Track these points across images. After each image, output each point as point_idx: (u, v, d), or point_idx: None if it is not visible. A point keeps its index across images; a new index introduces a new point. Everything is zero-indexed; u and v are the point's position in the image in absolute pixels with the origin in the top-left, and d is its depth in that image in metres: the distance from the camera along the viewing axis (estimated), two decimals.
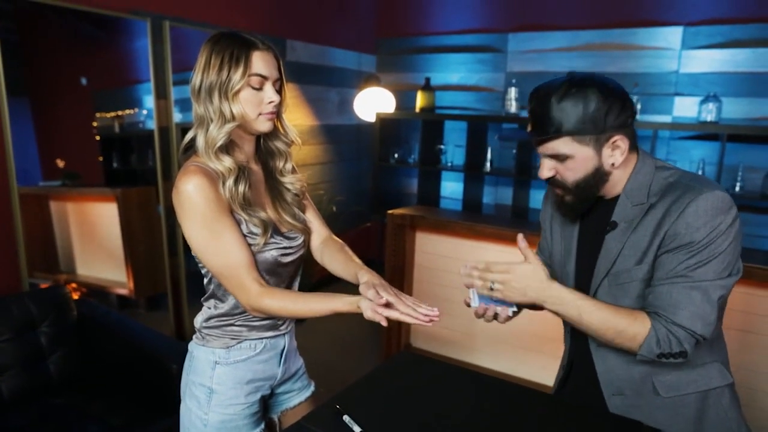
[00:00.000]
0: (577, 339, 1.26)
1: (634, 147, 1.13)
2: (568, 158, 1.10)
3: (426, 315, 1.03)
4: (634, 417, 1.15)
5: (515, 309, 1.19)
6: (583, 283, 1.22)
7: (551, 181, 1.16)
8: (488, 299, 1.17)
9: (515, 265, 1.12)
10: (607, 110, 1.05)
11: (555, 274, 1.29)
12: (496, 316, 1.20)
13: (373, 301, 1.02)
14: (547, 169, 1.14)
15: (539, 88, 1.11)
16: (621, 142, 1.08)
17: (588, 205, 1.17)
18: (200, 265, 1.22)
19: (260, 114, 1.16)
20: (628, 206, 1.13)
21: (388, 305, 1.02)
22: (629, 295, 1.13)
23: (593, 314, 1.08)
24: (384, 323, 1.01)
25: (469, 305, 1.21)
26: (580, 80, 1.07)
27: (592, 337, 1.15)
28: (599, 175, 1.11)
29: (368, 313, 1.03)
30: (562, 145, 1.09)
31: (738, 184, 3.25)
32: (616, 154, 1.10)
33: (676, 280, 1.05)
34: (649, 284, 1.10)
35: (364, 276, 1.13)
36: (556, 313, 1.12)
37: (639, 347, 1.06)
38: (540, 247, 1.44)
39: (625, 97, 1.08)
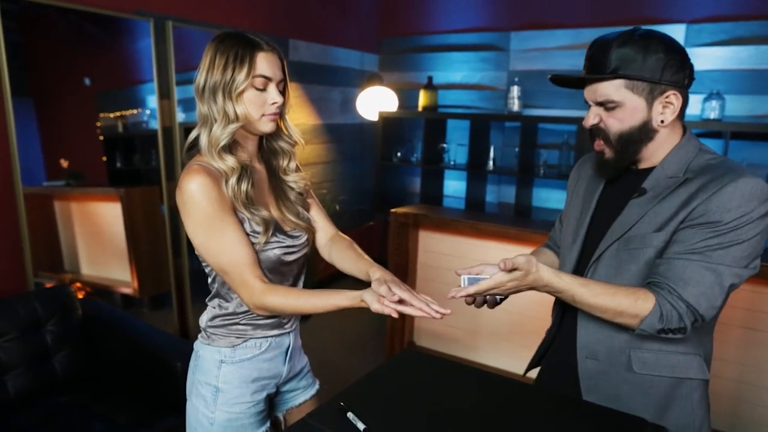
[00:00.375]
0: (564, 304, 1.23)
1: (683, 116, 1.10)
2: (617, 106, 1.06)
3: (437, 311, 1.03)
4: (601, 386, 1.15)
5: (503, 296, 1.19)
6: (590, 246, 1.19)
7: (594, 131, 1.13)
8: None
9: (497, 275, 1.09)
10: (666, 62, 1.02)
11: (565, 241, 1.27)
12: (485, 302, 1.22)
13: (386, 297, 1.02)
14: (593, 115, 1.10)
15: (601, 36, 1.09)
16: (674, 98, 1.05)
17: (628, 164, 1.13)
18: (204, 264, 1.23)
19: (263, 115, 1.17)
20: (662, 177, 1.09)
21: (401, 302, 1.02)
22: (637, 261, 1.09)
23: (590, 299, 1.06)
24: (395, 315, 1.02)
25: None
26: (645, 31, 1.05)
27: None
28: (645, 131, 1.08)
29: (375, 306, 1.02)
30: (614, 89, 1.05)
31: None
32: (667, 111, 1.06)
33: (692, 257, 1.02)
34: (661, 255, 1.07)
35: (376, 273, 1.13)
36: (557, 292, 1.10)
37: (641, 321, 1.04)
38: (560, 216, 1.43)
39: (685, 56, 1.05)
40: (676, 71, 1.04)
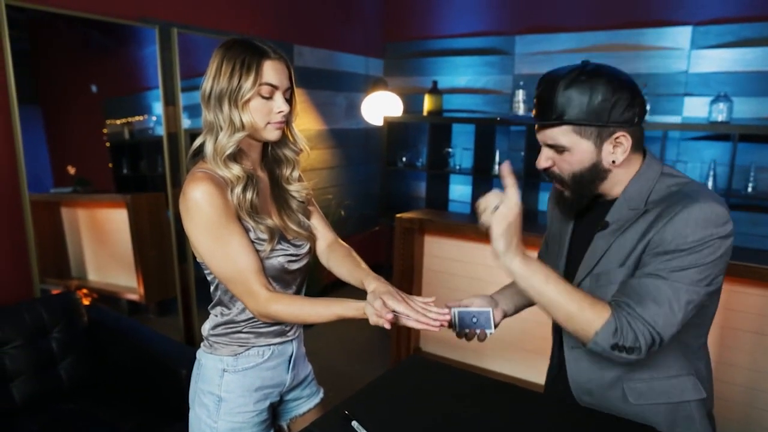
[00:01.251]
0: (554, 339, 1.26)
1: (639, 147, 1.10)
2: (566, 150, 1.06)
3: (436, 319, 1.02)
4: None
5: (492, 330, 1.23)
6: (569, 278, 1.18)
7: (548, 173, 1.13)
8: (470, 323, 1.21)
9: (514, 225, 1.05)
10: (613, 103, 1.01)
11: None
12: (475, 336, 1.25)
13: (379, 311, 1.01)
14: (544, 158, 1.11)
15: (549, 73, 1.08)
16: (624, 139, 1.04)
17: (586, 201, 1.14)
18: (207, 272, 1.22)
19: (269, 123, 1.16)
20: (624, 209, 1.09)
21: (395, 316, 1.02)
22: (608, 297, 1.07)
23: (557, 287, 1.02)
24: (387, 326, 1.01)
25: (450, 325, 1.20)
26: (591, 69, 1.04)
27: (549, 314, 1.08)
28: (597, 171, 1.08)
29: (373, 319, 1.03)
30: (561, 134, 1.05)
31: (750, 184, 3.21)
32: (617, 151, 1.05)
33: (650, 277, 1.01)
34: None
35: (371, 284, 1.12)
36: (522, 277, 1.04)
37: (594, 334, 0.99)
38: (545, 239, 1.43)
39: (635, 93, 1.04)
40: (625, 110, 1.02)
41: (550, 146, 1.09)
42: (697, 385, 1.12)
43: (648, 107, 3.40)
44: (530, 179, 3.80)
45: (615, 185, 1.11)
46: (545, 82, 1.07)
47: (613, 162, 1.07)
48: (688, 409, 1.11)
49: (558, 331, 1.23)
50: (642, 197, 1.08)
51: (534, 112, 1.11)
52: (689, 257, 0.99)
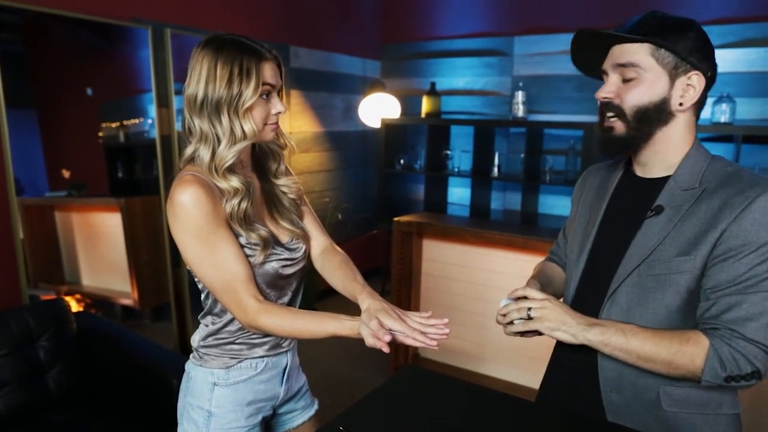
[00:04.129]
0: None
1: (696, 116, 1.04)
2: (637, 77, 1.00)
3: (435, 333, 0.97)
4: (627, 419, 1.06)
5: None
6: (599, 270, 1.11)
7: (606, 106, 1.05)
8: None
9: (552, 298, 1.04)
10: (696, 46, 0.98)
11: (572, 253, 1.20)
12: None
13: (376, 332, 0.96)
14: (609, 85, 1.02)
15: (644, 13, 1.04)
16: (697, 81, 0.99)
17: (638, 146, 1.05)
18: (197, 279, 1.17)
19: (266, 125, 1.11)
20: (677, 190, 1.01)
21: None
22: (664, 288, 1.00)
23: (639, 335, 0.97)
24: (386, 350, 0.96)
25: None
26: (687, 18, 1.01)
27: (649, 370, 1.01)
28: (662, 110, 1.00)
29: (369, 341, 0.96)
30: (639, 52, 0.99)
31: None
32: (687, 94, 0.99)
33: (743, 290, 0.93)
34: (695, 281, 0.98)
35: (365, 302, 1.06)
36: (602, 345, 1.00)
37: (701, 371, 0.93)
38: (564, 227, 1.37)
39: (713, 57, 1.01)
40: (703, 59, 0.99)
41: (621, 68, 1.01)
42: (734, 400, 1.06)
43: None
44: (530, 182, 3.77)
45: (666, 149, 1.04)
46: (633, 17, 1.03)
47: (681, 105, 1.00)
48: (722, 422, 1.05)
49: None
50: (695, 177, 1.01)
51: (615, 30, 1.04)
52: None
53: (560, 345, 1.21)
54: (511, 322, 1.08)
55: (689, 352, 0.95)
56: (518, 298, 1.07)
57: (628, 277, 1.04)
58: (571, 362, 1.17)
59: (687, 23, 1.00)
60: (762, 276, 0.93)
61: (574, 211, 1.27)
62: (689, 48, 0.98)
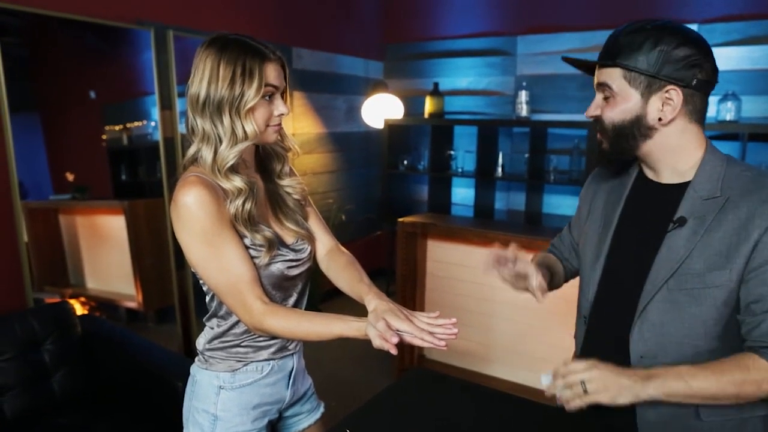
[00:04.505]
0: (613, 348, 1.10)
1: (700, 121, 1.02)
2: (612, 96, 1.01)
3: (443, 333, 0.96)
4: None
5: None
6: (622, 281, 1.09)
7: (595, 123, 1.08)
8: None
9: (597, 361, 0.98)
10: (670, 56, 0.96)
11: (585, 257, 1.18)
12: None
13: (384, 333, 0.94)
14: (594, 105, 1.06)
15: (629, 23, 1.04)
16: (675, 95, 0.97)
17: (623, 160, 1.07)
18: (201, 282, 1.16)
19: (268, 126, 1.11)
20: (698, 200, 1.00)
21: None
22: (700, 303, 0.98)
23: (698, 376, 0.94)
24: (393, 351, 0.94)
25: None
26: (664, 22, 0.99)
27: (708, 404, 0.99)
28: (639, 127, 1.00)
29: (377, 342, 0.95)
30: (611, 76, 1.01)
31: None
32: (666, 108, 0.98)
33: None
34: (732, 294, 0.96)
35: (372, 302, 1.05)
36: (665, 396, 0.96)
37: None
38: (569, 224, 1.34)
39: (702, 52, 0.97)
40: (684, 68, 0.96)
41: (601, 89, 1.04)
42: (766, 401, 1.04)
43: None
44: (534, 181, 3.75)
45: (666, 163, 1.04)
46: (618, 29, 1.04)
47: (660, 120, 1.00)
48: (754, 424, 1.04)
49: (612, 335, 1.10)
50: (715, 185, 0.99)
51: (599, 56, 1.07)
52: None
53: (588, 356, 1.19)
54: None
55: (755, 379, 0.94)
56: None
57: (658, 293, 1.02)
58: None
59: (659, 34, 0.97)
60: None
61: (584, 210, 1.25)
62: (661, 62, 0.96)
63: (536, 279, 1.13)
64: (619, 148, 1.04)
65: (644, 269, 1.04)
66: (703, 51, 0.98)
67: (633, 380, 0.94)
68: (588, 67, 1.08)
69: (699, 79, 0.97)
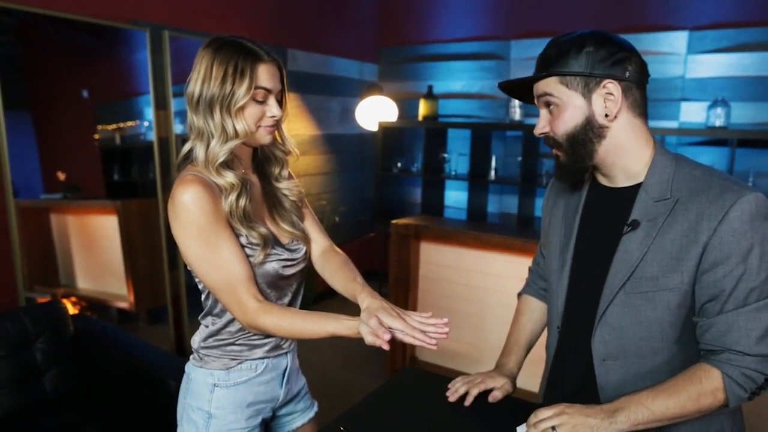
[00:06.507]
0: (577, 352, 1.13)
1: (642, 115, 1.03)
2: (558, 106, 1.03)
3: (435, 332, 0.97)
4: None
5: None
6: (584, 287, 1.11)
7: (546, 141, 1.09)
8: None
9: (565, 405, 1.00)
10: (598, 54, 0.99)
11: (551, 268, 1.19)
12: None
13: (376, 330, 0.96)
14: (541, 124, 1.07)
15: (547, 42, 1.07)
16: (613, 87, 0.99)
17: (585, 167, 1.07)
18: (197, 279, 1.17)
19: (260, 126, 1.12)
20: (649, 202, 1.01)
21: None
22: (655, 305, 1.00)
23: (658, 399, 0.96)
24: (386, 347, 0.96)
25: None
26: (588, 30, 1.03)
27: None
28: (592, 128, 1.02)
29: (369, 339, 0.96)
30: (549, 86, 1.03)
31: None
32: (609, 103, 1.00)
33: (738, 305, 0.95)
34: (685, 296, 0.98)
35: (365, 301, 1.07)
36: (634, 427, 0.98)
37: (726, 401, 0.95)
38: (540, 244, 1.35)
39: (626, 49, 1.00)
40: (613, 64, 0.99)
41: (544, 102, 1.05)
42: (735, 414, 1.07)
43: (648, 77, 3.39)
44: (526, 185, 3.78)
45: (619, 165, 1.05)
46: (543, 49, 1.06)
47: (607, 116, 1.01)
48: (720, 420, 1.06)
49: (576, 339, 1.13)
50: (665, 186, 1.01)
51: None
52: (757, 261, 0.94)
53: (555, 367, 1.21)
54: None
55: (708, 390, 0.96)
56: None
57: (616, 297, 1.04)
58: (572, 385, 1.16)
59: (581, 39, 1.01)
60: (748, 289, 0.94)
61: (546, 223, 1.27)
62: (591, 62, 0.99)
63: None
64: (577, 156, 1.05)
65: (603, 273, 1.05)
66: (626, 48, 1.01)
67: (600, 418, 0.96)
68: (521, 92, 1.11)
69: (630, 71, 1.00)
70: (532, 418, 1.00)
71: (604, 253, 1.07)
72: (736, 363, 0.95)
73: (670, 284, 0.98)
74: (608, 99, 1.00)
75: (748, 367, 0.94)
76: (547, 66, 1.02)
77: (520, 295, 1.41)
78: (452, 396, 1.19)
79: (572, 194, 1.18)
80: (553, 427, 0.96)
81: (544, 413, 0.99)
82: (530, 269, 1.42)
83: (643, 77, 1.03)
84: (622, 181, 1.07)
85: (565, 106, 1.02)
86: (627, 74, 1.00)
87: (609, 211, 1.09)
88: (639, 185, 1.04)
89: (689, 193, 0.98)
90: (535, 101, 1.08)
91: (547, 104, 1.05)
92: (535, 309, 1.36)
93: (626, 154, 1.04)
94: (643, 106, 1.04)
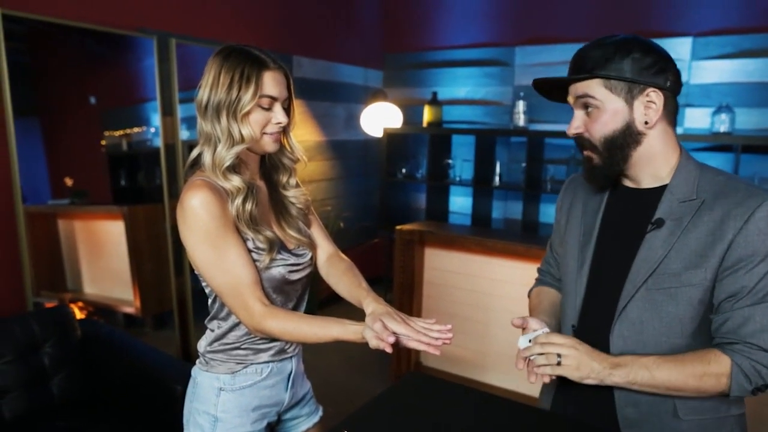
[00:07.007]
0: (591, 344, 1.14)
1: (673, 123, 1.06)
2: (598, 108, 1.03)
3: (438, 339, 0.98)
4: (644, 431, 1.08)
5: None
6: (604, 284, 1.12)
7: (578, 141, 1.09)
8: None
9: (577, 341, 1.03)
10: (643, 62, 1.00)
11: (569, 266, 1.19)
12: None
13: (380, 334, 0.97)
14: (575, 123, 1.07)
15: (587, 43, 1.07)
16: (656, 96, 1.01)
17: (618, 170, 1.07)
18: (204, 283, 1.18)
19: (265, 133, 1.13)
20: (675, 202, 1.03)
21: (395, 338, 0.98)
22: (676, 302, 1.02)
23: (662, 367, 0.99)
24: (389, 350, 0.97)
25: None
26: (623, 36, 1.04)
27: (673, 396, 1.04)
28: (630, 134, 1.03)
29: (373, 343, 0.98)
30: (590, 86, 1.03)
31: None
32: (650, 111, 1.02)
33: (757, 301, 0.97)
34: (706, 293, 1.01)
35: (370, 306, 1.08)
36: (629, 384, 1.02)
37: (728, 388, 0.98)
38: (551, 242, 1.36)
39: (667, 59, 1.02)
40: (656, 73, 1.01)
41: (582, 103, 1.05)
42: (741, 401, 1.08)
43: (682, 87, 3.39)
44: (531, 191, 3.78)
45: (652, 163, 1.06)
46: (579, 50, 1.07)
47: (646, 123, 1.03)
48: (731, 422, 1.07)
49: (594, 336, 1.12)
50: (690, 188, 1.03)
51: (568, 72, 1.09)
52: None
53: None
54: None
55: (714, 373, 0.98)
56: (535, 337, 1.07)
57: (637, 293, 1.05)
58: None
59: (627, 45, 1.01)
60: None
61: (562, 222, 1.27)
62: (636, 68, 1.00)
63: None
64: (612, 160, 1.06)
65: (625, 270, 1.07)
66: (666, 57, 1.03)
67: (602, 366, 1.00)
68: (552, 90, 1.11)
69: (671, 81, 1.02)
70: (543, 338, 1.03)
71: (626, 251, 1.08)
72: (748, 355, 0.97)
73: (694, 281, 1.00)
74: (649, 107, 1.02)
75: (759, 361, 0.96)
76: (591, 67, 1.02)
77: (530, 291, 1.41)
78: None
79: (592, 195, 1.19)
80: (559, 354, 0.99)
81: (556, 338, 1.02)
82: (540, 269, 1.42)
83: (679, 87, 1.05)
84: (647, 183, 1.09)
85: (606, 109, 1.03)
86: (668, 84, 1.02)
87: (632, 211, 1.10)
88: (663, 187, 1.06)
89: (714, 196, 1.01)
90: (571, 101, 1.08)
91: (586, 105, 1.05)
92: (551, 291, 1.35)
93: (656, 160, 1.06)
94: (675, 115, 1.07)
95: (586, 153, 1.10)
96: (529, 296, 1.40)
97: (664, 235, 1.03)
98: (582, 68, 1.04)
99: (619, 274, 1.08)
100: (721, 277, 0.99)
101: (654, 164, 1.06)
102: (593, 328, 1.10)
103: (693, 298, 1.01)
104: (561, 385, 1.22)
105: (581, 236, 1.18)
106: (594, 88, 1.03)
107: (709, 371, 0.98)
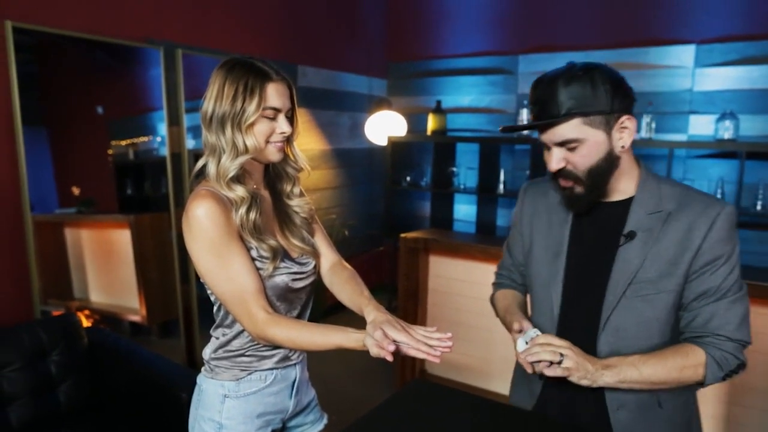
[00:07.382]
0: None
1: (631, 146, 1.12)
2: (579, 143, 1.06)
3: (437, 347, 0.99)
4: (634, 430, 1.14)
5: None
6: (583, 295, 1.16)
7: (561, 174, 1.11)
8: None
9: (571, 344, 1.09)
10: (613, 91, 1.04)
11: (539, 278, 1.23)
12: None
13: (380, 342, 0.98)
14: (556, 160, 1.09)
15: (542, 77, 1.08)
16: (629, 122, 1.07)
17: (601, 195, 1.13)
18: (209, 291, 1.20)
19: (269, 143, 1.15)
20: (643, 215, 1.11)
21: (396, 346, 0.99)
22: (654, 306, 1.10)
23: (648, 363, 1.07)
24: (389, 359, 0.98)
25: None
26: (583, 65, 1.06)
27: (655, 390, 1.12)
28: (611, 160, 1.08)
29: (374, 351, 0.99)
30: (572, 129, 1.05)
31: (759, 202, 3.17)
32: (625, 135, 1.08)
33: (720, 297, 1.08)
34: (679, 295, 1.10)
35: (371, 314, 1.09)
36: (619, 383, 1.09)
37: (704, 378, 1.08)
38: (509, 248, 1.39)
39: (625, 82, 1.08)
40: (623, 98, 1.06)
41: (560, 144, 1.08)
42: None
43: (653, 125, 3.39)
44: None
45: (620, 179, 1.13)
46: (542, 84, 1.08)
47: (623, 147, 1.09)
48: (695, 398, 1.20)
49: (577, 345, 1.14)
50: (657, 200, 1.11)
51: (533, 115, 1.11)
52: (732, 261, 1.08)
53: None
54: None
55: (692, 364, 1.08)
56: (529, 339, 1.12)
57: (619, 302, 1.12)
58: (574, 386, 1.17)
59: (590, 75, 1.03)
60: (728, 284, 1.08)
61: (525, 232, 1.29)
62: (609, 98, 1.04)
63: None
64: (596, 187, 1.11)
65: (603, 282, 1.13)
66: (620, 77, 1.08)
67: (595, 367, 1.07)
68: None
69: (632, 102, 1.09)
70: (542, 339, 1.09)
71: (600, 263, 1.14)
72: (718, 345, 1.07)
73: (669, 286, 1.09)
74: (624, 131, 1.07)
75: (727, 351, 1.07)
76: (567, 109, 1.04)
77: (493, 296, 1.45)
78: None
79: (554, 205, 1.22)
80: (561, 354, 1.06)
81: (555, 340, 1.08)
82: (499, 273, 1.46)
83: (633, 104, 1.11)
84: (612, 197, 1.15)
85: (589, 143, 1.06)
86: (631, 108, 1.08)
87: (601, 224, 1.16)
88: (629, 199, 1.13)
89: (678, 207, 1.10)
90: (544, 140, 1.10)
91: (564, 143, 1.07)
92: (515, 293, 1.39)
93: (624, 176, 1.13)
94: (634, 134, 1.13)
95: (564, 183, 1.12)
96: (491, 301, 1.44)
97: (638, 245, 1.10)
98: (556, 109, 1.04)
99: (598, 285, 1.14)
100: (690, 279, 1.09)
101: (622, 180, 1.13)
102: (575, 337, 1.13)
103: (668, 302, 1.10)
104: (546, 387, 1.25)
105: (550, 248, 1.21)
106: (573, 129, 1.05)
107: (688, 363, 1.07)
